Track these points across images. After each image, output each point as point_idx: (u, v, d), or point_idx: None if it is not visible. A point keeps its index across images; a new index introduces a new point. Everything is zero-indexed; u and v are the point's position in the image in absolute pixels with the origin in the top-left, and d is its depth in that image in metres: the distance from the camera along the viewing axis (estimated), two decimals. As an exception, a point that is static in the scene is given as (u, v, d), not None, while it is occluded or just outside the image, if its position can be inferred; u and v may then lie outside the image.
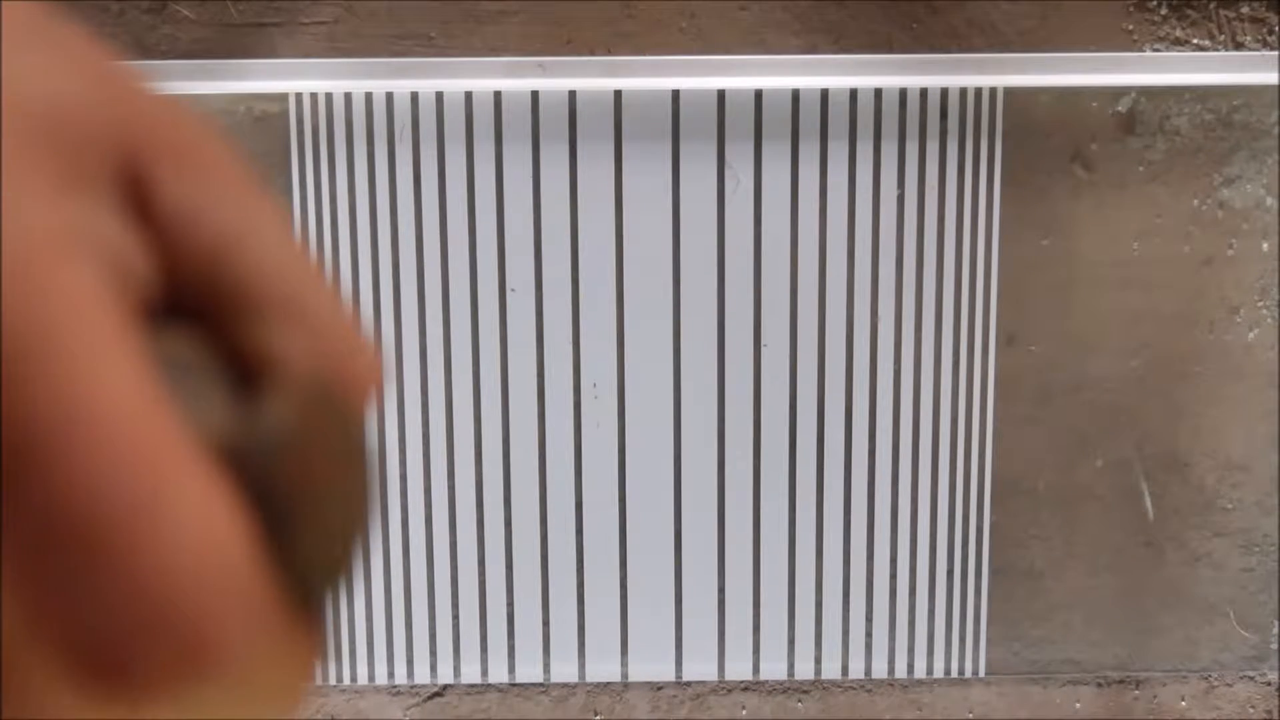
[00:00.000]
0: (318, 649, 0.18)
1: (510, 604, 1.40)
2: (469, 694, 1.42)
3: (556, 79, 1.30)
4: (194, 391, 0.17)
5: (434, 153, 1.33)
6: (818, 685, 1.42)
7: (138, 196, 0.17)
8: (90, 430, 0.14)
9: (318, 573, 0.18)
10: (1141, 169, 1.35)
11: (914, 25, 1.32)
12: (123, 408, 0.15)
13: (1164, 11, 1.33)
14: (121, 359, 0.15)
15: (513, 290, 1.35)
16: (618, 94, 1.32)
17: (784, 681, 1.42)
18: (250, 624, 0.16)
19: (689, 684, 1.42)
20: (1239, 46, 1.33)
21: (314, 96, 1.31)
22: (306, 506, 0.17)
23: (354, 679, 1.41)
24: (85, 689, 0.15)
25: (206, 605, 0.15)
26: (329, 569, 0.18)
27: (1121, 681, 1.44)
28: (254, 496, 0.16)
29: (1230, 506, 1.41)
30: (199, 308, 0.18)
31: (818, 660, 1.42)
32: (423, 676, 1.41)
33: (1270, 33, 1.33)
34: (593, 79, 1.31)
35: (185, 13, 1.31)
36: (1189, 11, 1.33)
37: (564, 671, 1.41)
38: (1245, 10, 1.33)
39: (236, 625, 0.16)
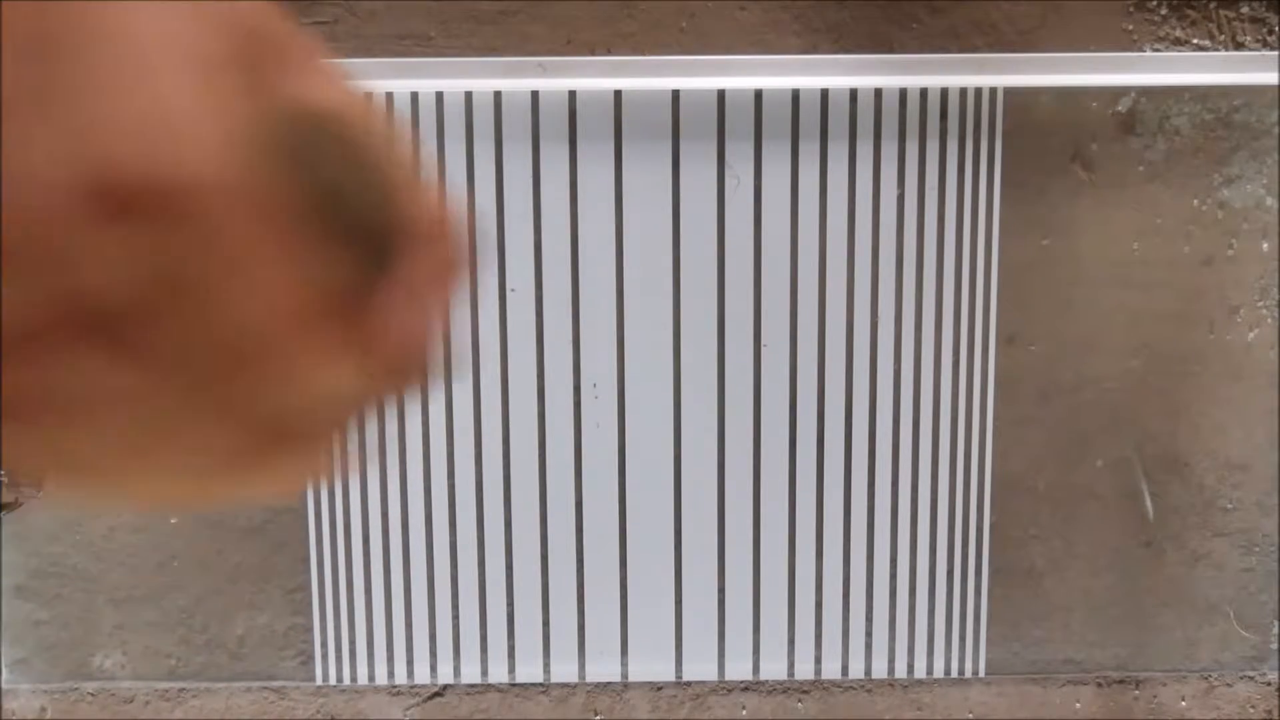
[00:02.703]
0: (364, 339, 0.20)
1: (510, 604, 1.40)
2: (469, 694, 1.42)
3: (556, 79, 1.30)
4: None
5: (434, 153, 1.33)
6: (818, 685, 1.42)
7: (254, 78, 0.19)
8: None
9: (345, 198, 0.19)
10: (1141, 169, 1.35)
11: (914, 25, 1.32)
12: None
13: (1164, 11, 1.33)
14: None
15: (513, 290, 1.35)
16: (618, 94, 1.32)
17: (784, 681, 1.42)
18: (237, 181, 0.17)
19: (689, 684, 1.42)
20: (1239, 46, 1.33)
21: (314, 96, 1.31)
22: (334, 146, 0.19)
23: (354, 679, 1.41)
24: (91, 204, 0.16)
25: (187, 129, 0.16)
26: (358, 197, 0.19)
27: (1121, 681, 1.44)
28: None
29: (1230, 506, 1.41)
30: None
31: (818, 660, 1.42)
32: (423, 676, 1.41)
33: (1270, 33, 1.33)
34: (593, 79, 1.30)
35: (185, 13, 1.31)
36: (1189, 11, 1.33)
37: (564, 671, 1.41)
38: (1245, 10, 1.33)
39: (221, 167, 0.17)
